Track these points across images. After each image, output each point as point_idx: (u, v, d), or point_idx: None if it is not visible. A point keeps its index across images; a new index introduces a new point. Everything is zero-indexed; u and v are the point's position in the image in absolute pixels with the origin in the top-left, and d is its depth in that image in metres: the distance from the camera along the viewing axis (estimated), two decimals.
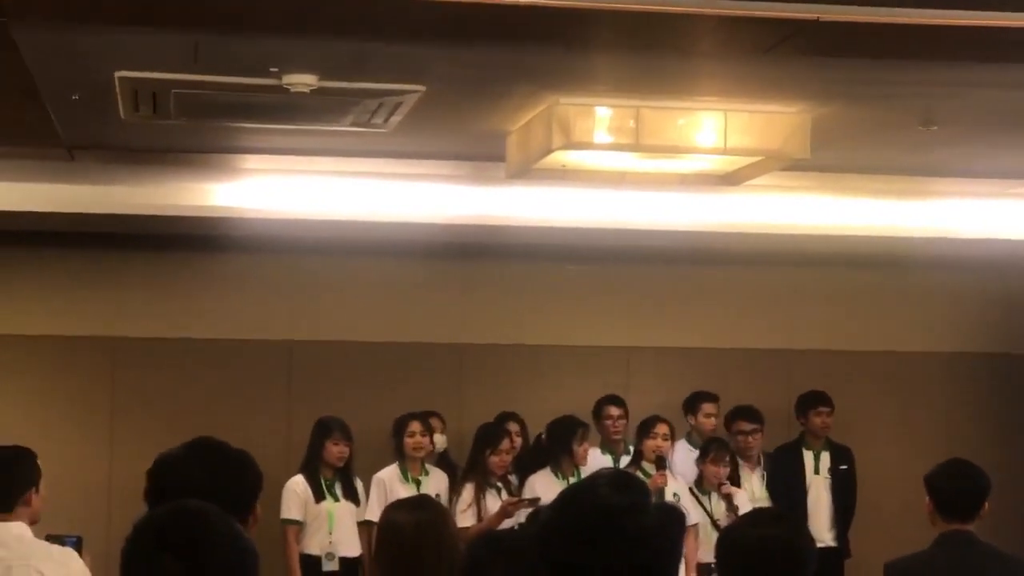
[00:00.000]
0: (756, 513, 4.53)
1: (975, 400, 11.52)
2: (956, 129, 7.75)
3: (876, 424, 11.15)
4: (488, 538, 3.72)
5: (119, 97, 6.96)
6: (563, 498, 2.46)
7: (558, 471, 9.26)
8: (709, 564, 9.01)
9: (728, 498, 9.37)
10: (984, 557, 5.57)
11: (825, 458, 10.41)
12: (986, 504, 5.56)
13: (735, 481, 9.76)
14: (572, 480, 8.99)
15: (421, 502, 4.54)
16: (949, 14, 5.31)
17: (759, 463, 10.11)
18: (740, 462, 9.99)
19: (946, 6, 5.29)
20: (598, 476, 2.47)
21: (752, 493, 9.88)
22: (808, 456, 10.36)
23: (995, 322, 11.60)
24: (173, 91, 6.76)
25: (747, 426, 10.06)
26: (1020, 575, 5.63)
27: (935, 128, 7.57)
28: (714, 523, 9.16)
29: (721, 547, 3.79)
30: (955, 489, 5.56)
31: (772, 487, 10.03)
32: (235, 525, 2.58)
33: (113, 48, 6.23)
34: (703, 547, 9.00)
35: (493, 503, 9.11)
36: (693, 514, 9.27)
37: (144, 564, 2.47)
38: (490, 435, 9.41)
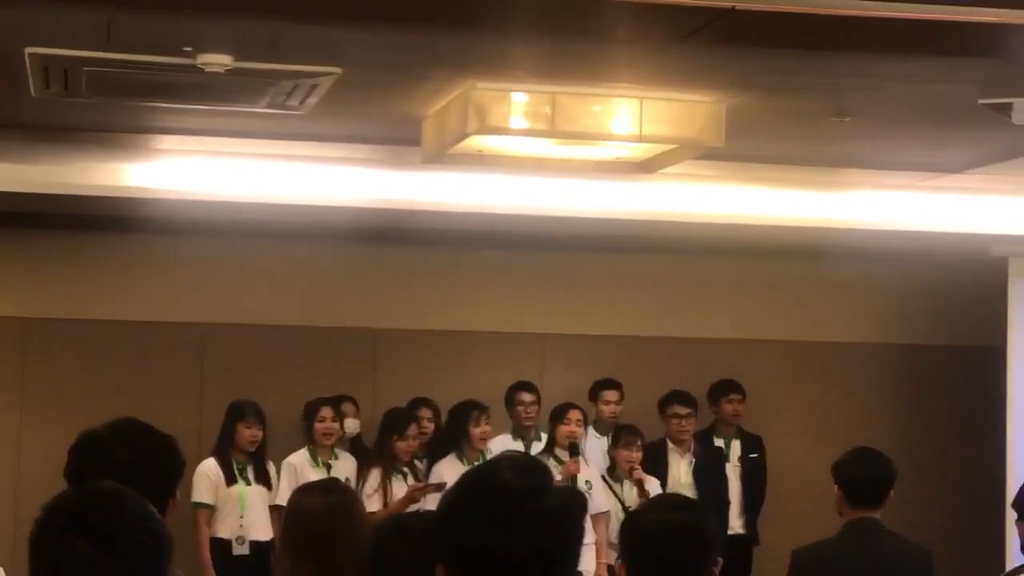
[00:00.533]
0: (660, 498, 4.57)
1: (884, 390, 11.64)
2: (869, 121, 7.81)
3: (787, 413, 11.24)
4: (394, 521, 3.72)
5: (30, 74, 6.87)
6: (465, 480, 2.44)
7: (463, 456, 9.26)
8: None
9: (640, 484, 9.41)
10: (889, 544, 5.65)
11: (736, 446, 10.50)
12: (892, 492, 5.63)
13: (663, 465, 9.82)
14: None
15: (331, 486, 4.53)
16: (863, 5, 5.34)
17: (690, 449, 10.14)
18: (670, 446, 10.05)
19: None
20: (501, 459, 2.45)
21: (679, 478, 9.95)
22: (719, 444, 10.44)
23: (904, 313, 11.73)
24: (85, 68, 6.66)
25: (682, 410, 10.11)
26: (923, 562, 5.73)
27: (848, 119, 7.62)
28: (625, 510, 9.17)
29: (625, 531, 3.81)
30: (861, 477, 5.63)
31: (697, 474, 10.08)
32: (149, 508, 2.55)
33: (24, 24, 6.15)
34: (615, 534, 9.03)
35: (400, 488, 9.11)
36: (605, 501, 9.31)
37: (55, 546, 2.43)
38: (397, 420, 9.42)
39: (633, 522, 3.82)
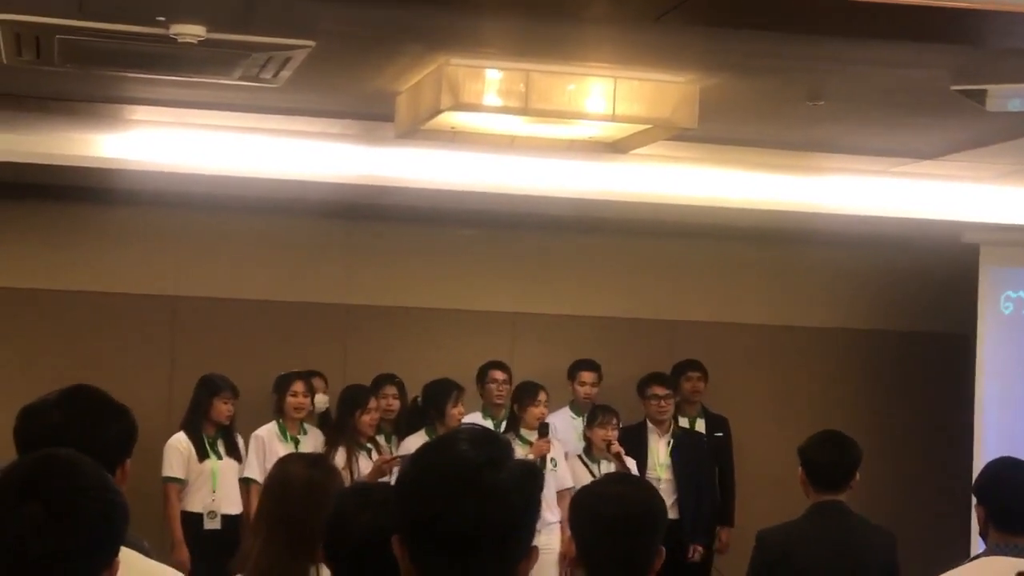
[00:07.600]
0: (608, 475, 4.63)
1: (854, 375, 11.68)
2: (842, 105, 7.82)
3: (756, 396, 11.27)
4: (355, 488, 3.72)
5: (1, 41, 6.83)
6: (422, 451, 2.43)
7: (433, 433, 9.24)
8: None
9: (618, 456, 9.39)
10: (853, 527, 5.69)
11: (700, 426, 10.51)
12: (857, 475, 5.65)
13: (643, 447, 9.81)
14: None
15: (317, 460, 4.52)
16: None
17: (668, 430, 10.12)
18: (650, 427, 10.02)
19: None
20: (460, 431, 2.43)
21: (658, 458, 9.94)
22: (684, 423, 10.45)
23: (874, 299, 11.76)
24: (57, 37, 6.62)
25: (661, 391, 10.06)
26: (886, 544, 5.76)
27: (821, 103, 7.62)
28: None
29: (573, 505, 3.85)
30: (826, 460, 5.65)
31: (674, 454, 10.06)
32: (107, 477, 2.53)
33: None
34: None
35: (366, 465, 9.09)
36: (572, 478, 9.30)
37: (6, 512, 2.40)
38: (356, 396, 9.41)
39: (580, 496, 3.85)
